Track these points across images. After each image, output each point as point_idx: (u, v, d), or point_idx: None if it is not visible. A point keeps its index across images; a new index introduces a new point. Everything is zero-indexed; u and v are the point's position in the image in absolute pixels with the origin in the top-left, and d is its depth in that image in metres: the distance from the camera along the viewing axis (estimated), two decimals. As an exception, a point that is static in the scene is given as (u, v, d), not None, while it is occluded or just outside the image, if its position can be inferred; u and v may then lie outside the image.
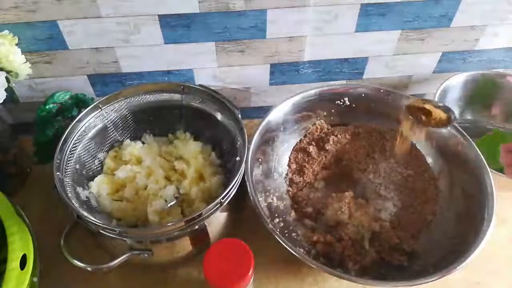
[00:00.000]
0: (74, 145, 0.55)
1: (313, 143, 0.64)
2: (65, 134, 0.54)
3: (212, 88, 0.61)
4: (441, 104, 0.56)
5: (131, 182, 0.57)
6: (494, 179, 0.52)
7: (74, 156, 0.55)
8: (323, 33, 0.64)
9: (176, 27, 0.61)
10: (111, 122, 0.61)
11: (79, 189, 0.54)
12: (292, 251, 0.46)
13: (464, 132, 0.57)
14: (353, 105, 0.65)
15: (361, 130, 0.65)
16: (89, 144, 0.59)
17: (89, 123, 0.58)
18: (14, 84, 0.56)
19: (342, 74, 0.72)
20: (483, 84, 0.71)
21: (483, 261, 0.48)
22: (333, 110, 0.65)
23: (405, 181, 0.60)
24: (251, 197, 0.51)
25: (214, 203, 0.47)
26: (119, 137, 0.63)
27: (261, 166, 0.59)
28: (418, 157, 0.62)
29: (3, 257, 0.44)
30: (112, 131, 0.62)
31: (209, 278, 0.42)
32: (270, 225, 0.48)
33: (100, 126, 0.60)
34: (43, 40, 0.60)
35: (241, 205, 0.57)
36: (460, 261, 0.45)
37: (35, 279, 0.46)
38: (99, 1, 0.56)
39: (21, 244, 0.45)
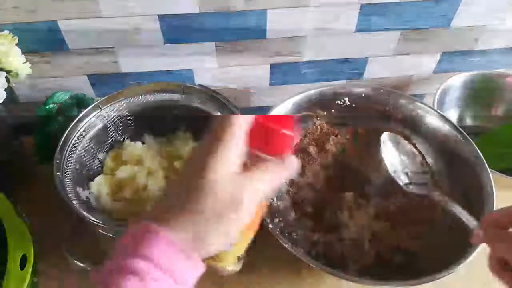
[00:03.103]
0: (74, 145, 0.55)
1: (313, 143, 0.64)
2: (65, 134, 0.54)
3: (212, 88, 0.61)
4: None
5: (131, 182, 0.57)
6: (494, 179, 0.52)
7: (74, 156, 0.55)
8: (323, 33, 0.64)
9: (176, 27, 0.61)
10: (111, 122, 0.61)
11: (79, 189, 0.54)
12: (292, 251, 0.46)
13: (464, 132, 0.57)
14: (353, 105, 0.65)
15: (361, 130, 0.65)
16: (89, 144, 0.59)
17: (89, 123, 0.58)
18: (14, 84, 0.56)
19: (342, 74, 0.72)
20: (483, 84, 0.71)
21: (483, 261, 0.48)
22: (333, 110, 0.65)
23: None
24: (251, 197, 0.51)
25: (214, 203, 0.47)
26: (119, 137, 0.63)
27: (261, 166, 0.59)
28: (418, 157, 0.62)
29: (3, 257, 0.44)
30: (112, 131, 0.62)
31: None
32: (270, 225, 0.48)
33: (100, 126, 0.60)
34: (43, 40, 0.60)
35: (241, 205, 0.56)
36: (460, 261, 0.45)
37: (35, 279, 0.46)
38: (100, 1, 0.56)
39: (21, 244, 0.45)
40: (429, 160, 0.61)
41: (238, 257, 0.34)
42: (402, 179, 0.51)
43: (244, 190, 0.27)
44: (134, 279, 0.25)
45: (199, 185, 0.27)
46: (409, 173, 0.52)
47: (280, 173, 0.30)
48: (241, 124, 0.28)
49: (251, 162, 0.30)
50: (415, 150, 0.54)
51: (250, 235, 0.34)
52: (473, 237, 0.39)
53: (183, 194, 0.27)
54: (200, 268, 0.27)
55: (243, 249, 0.34)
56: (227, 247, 0.29)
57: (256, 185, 0.28)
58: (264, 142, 0.31)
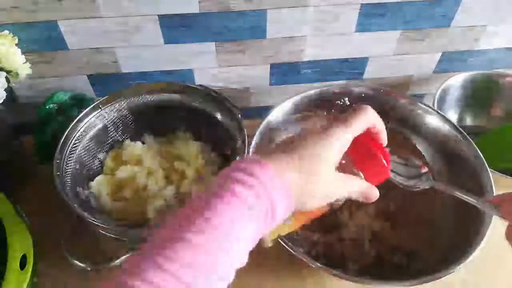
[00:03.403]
0: (74, 145, 0.55)
1: (313, 143, 0.64)
2: (65, 134, 0.54)
3: (212, 88, 0.61)
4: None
5: (131, 182, 0.57)
6: (494, 179, 0.52)
7: (74, 156, 0.55)
8: (323, 33, 0.64)
9: (176, 27, 0.61)
10: (111, 122, 0.61)
11: (79, 189, 0.54)
12: (292, 251, 0.46)
13: (464, 132, 0.57)
14: (353, 105, 0.65)
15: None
16: (89, 144, 0.59)
17: (89, 123, 0.58)
18: (14, 84, 0.56)
19: (342, 74, 0.72)
20: (483, 84, 0.71)
21: (483, 261, 0.48)
22: (333, 110, 0.65)
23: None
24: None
25: (214, 203, 0.47)
26: (119, 137, 0.63)
27: (261, 166, 0.59)
28: (419, 157, 0.62)
29: (3, 257, 0.44)
30: (112, 131, 0.62)
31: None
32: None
33: (100, 126, 0.60)
34: (43, 40, 0.60)
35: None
36: (460, 261, 0.45)
37: (35, 279, 0.46)
38: (99, 1, 0.56)
39: (21, 244, 0.45)
40: (429, 160, 0.61)
41: (279, 235, 0.36)
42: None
43: (336, 184, 0.33)
44: (243, 186, 0.28)
45: (315, 160, 0.31)
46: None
47: (362, 195, 0.35)
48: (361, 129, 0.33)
49: (341, 166, 0.34)
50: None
51: (300, 224, 0.36)
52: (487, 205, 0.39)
53: (295, 154, 0.31)
54: (290, 210, 0.31)
55: (287, 231, 0.36)
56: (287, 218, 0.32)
57: (344, 189, 0.33)
58: (361, 160, 0.35)
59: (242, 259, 0.29)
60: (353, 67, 0.71)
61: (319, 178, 0.31)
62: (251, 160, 0.30)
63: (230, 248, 0.27)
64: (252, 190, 0.28)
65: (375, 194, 0.35)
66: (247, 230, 0.28)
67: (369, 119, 0.34)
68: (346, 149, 0.33)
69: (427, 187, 0.43)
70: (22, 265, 0.44)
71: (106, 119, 0.60)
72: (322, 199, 0.33)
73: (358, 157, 0.35)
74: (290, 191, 0.30)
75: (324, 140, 0.31)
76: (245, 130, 0.55)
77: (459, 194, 0.41)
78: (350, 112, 0.33)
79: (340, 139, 0.32)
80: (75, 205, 0.48)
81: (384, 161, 0.35)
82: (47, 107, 0.59)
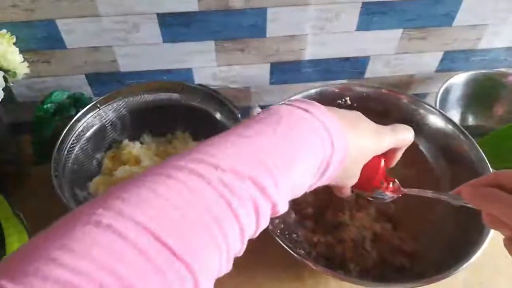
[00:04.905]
0: (72, 145, 0.55)
1: (313, 143, 0.64)
2: (63, 134, 0.54)
3: (212, 87, 0.60)
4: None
5: (129, 183, 0.57)
6: (497, 179, 0.51)
7: (72, 156, 0.55)
8: (324, 31, 0.64)
9: (175, 25, 0.60)
10: (109, 122, 0.60)
11: (77, 190, 0.54)
12: (292, 253, 0.45)
13: (466, 132, 0.57)
14: (355, 105, 0.64)
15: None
16: (87, 144, 0.58)
17: (87, 123, 0.58)
18: (12, 84, 0.56)
19: (343, 73, 0.71)
20: (485, 83, 0.70)
21: (486, 261, 0.47)
22: (334, 110, 0.65)
23: (407, 181, 0.60)
24: (251, 198, 0.50)
25: (214, 204, 0.46)
26: (117, 137, 0.63)
27: (261, 166, 0.58)
28: (421, 157, 0.61)
29: (1, 258, 0.44)
30: (110, 131, 0.61)
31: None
32: (270, 226, 0.48)
33: (98, 126, 0.59)
34: (41, 39, 0.59)
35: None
36: (462, 261, 0.45)
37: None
38: (98, 0, 0.56)
39: (19, 244, 0.45)
40: (431, 160, 0.61)
41: None
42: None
43: (359, 163, 0.35)
44: (305, 112, 0.30)
45: (365, 141, 0.34)
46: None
47: (344, 187, 0.38)
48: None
49: None
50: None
51: None
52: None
53: (351, 128, 0.33)
54: (337, 174, 0.32)
55: None
56: None
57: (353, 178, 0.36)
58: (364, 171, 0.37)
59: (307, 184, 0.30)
60: (354, 66, 0.70)
61: (365, 155, 0.34)
62: (311, 103, 0.31)
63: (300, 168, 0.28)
64: (322, 142, 0.29)
65: (347, 195, 0.40)
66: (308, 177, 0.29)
67: (409, 139, 0.36)
68: (383, 151, 0.35)
69: (393, 197, 0.44)
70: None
71: (104, 118, 0.60)
72: (355, 178, 0.35)
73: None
74: (347, 149, 0.31)
75: (376, 130, 0.35)
76: (245, 130, 0.54)
77: (429, 194, 0.41)
78: (397, 124, 0.36)
79: (388, 140, 0.35)
80: (73, 206, 0.47)
81: (375, 185, 0.39)
82: (44, 106, 0.59)
